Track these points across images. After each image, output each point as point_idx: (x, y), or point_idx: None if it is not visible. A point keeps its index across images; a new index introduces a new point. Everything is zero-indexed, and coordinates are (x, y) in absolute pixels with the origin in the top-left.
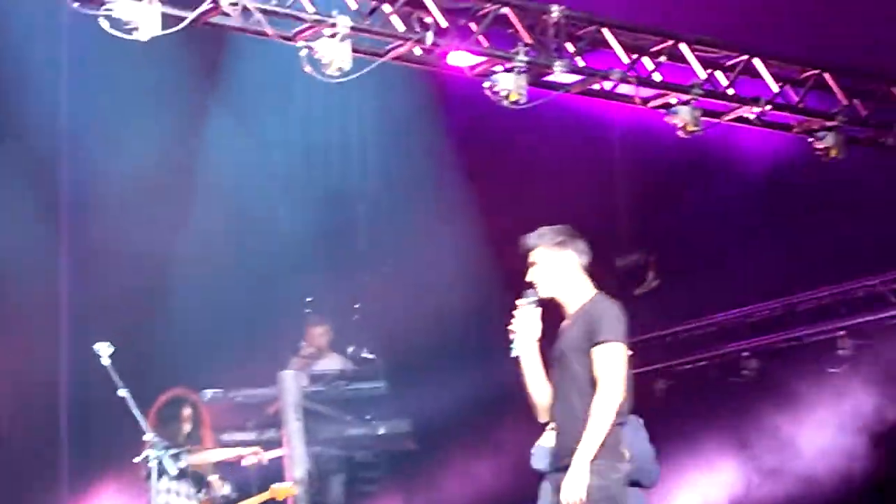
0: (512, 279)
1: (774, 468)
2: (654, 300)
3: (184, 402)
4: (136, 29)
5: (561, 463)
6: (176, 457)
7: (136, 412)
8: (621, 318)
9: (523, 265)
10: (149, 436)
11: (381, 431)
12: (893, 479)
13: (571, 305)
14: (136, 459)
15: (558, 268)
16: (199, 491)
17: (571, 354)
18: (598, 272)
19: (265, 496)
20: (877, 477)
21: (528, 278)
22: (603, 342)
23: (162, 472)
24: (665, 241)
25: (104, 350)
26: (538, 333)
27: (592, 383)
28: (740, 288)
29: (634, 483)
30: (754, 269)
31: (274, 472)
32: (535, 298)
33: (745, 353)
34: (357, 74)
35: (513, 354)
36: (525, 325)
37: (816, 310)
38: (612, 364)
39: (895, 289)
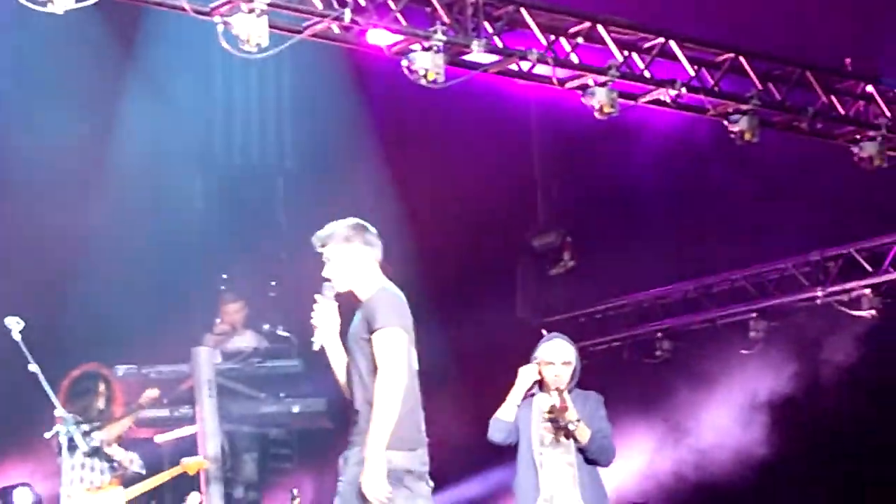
0: (429, 255)
1: (685, 447)
2: (569, 280)
3: (96, 378)
4: (50, 1)
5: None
6: (87, 433)
7: (47, 387)
8: (398, 305)
9: (441, 241)
10: (60, 411)
11: (296, 409)
12: (795, 457)
13: (363, 297)
14: (47, 435)
15: (348, 262)
16: (110, 466)
17: (354, 345)
18: (515, 252)
19: (176, 470)
20: (780, 455)
21: (323, 273)
22: (378, 329)
23: (73, 447)
24: (581, 223)
25: (14, 325)
26: (337, 325)
27: (375, 371)
28: (655, 270)
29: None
30: (668, 252)
31: (187, 449)
32: (332, 293)
33: (659, 334)
34: (275, 51)
35: (315, 347)
36: (324, 319)
37: (729, 292)
38: (388, 350)
39: (806, 271)
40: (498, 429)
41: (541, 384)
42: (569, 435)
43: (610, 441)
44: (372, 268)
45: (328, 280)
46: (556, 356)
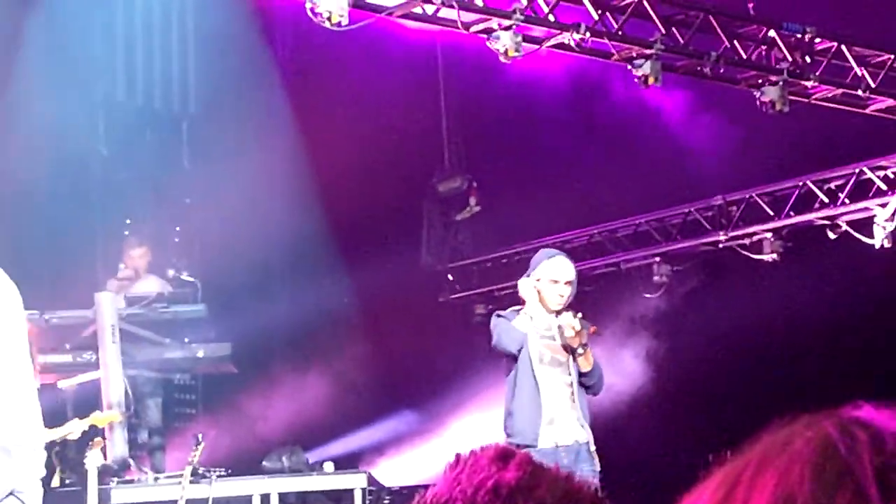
0: (333, 200)
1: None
2: (475, 226)
3: None
4: None
5: None
6: None
7: None
8: None
9: (346, 186)
10: None
11: (200, 354)
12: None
13: None
14: None
15: None
16: None
17: None
18: (420, 197)
19: (86, 423)
20: (675, 398)
21: None
22: None
23: None
24: (486, 168)
25: None
26: None
27: None
28: (560, 214)
29: None
30: (573, 196)
31: (90, 395)
32: None
33: None
34: None
35: None
36: None
37: (633, 236)
38: None
39: (709, 216)
40: (514, 338)
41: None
42: (574, 356)
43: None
44: None
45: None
46: (561, 274)
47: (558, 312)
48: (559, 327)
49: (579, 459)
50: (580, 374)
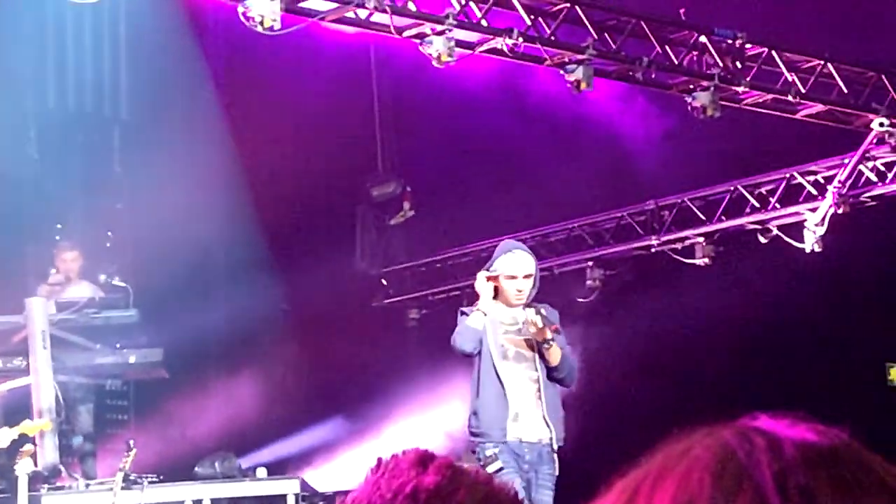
0: (267, 204)
1: None
2: (409, 230)
3: None
4: None
5: None
6: None
7: None
8: None
9: (280, 191)
10: None
11: (132, 360)
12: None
13: None
14: None
15: None
16: None
17: None
18: (354, 202)
19: (15, 431)
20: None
21: None
22: None
23: None
24: (421, 172)
25: None
26: None
27: None
28: (493, 219)
29: None
30: (507, 200)
31: (21, 401)
32: None
33: None
34: None
35: None
36: None
37: (566, 240)
38: None
39: (641, 220)
40: (469, 338)
41: (496, 295)
42: (540, 352)
43: (573, 359)
44: None
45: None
46: (519, 269)
47: (526, 306)
48: (523, 323)
49: (541, 459)
50: (549, 369)
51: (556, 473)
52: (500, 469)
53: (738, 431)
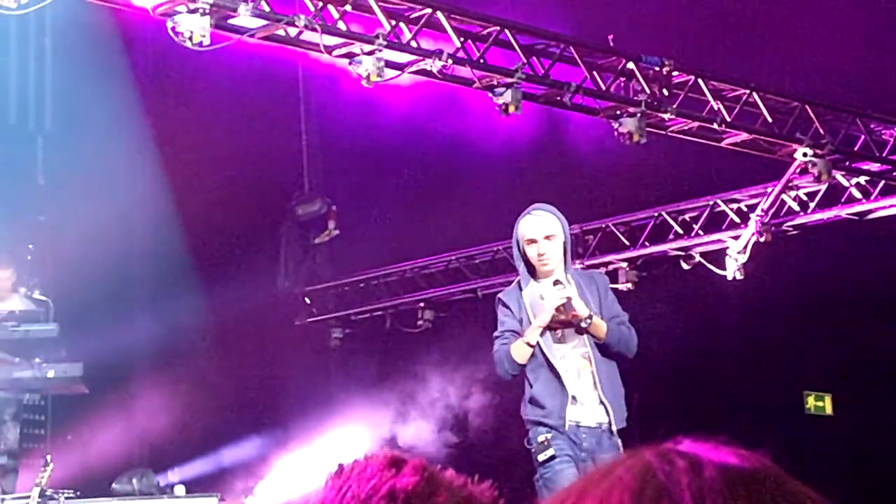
0: (190, 220)
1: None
2: (333, 249)
3: None
4: None
5: None
6: None
7: None
8: None
9: (203, 208)
10: None
11: (51, 374)
12: None
13: None
14: None
15: None
16: None
17: None
18: (278, 220)
19: None
20: None
21: None
22: None
23: None
24: (346, 192)
25: None
26: None
27: None
28: (418, 240)
29: None
30: (431, 222)
31: None
32: None
33: (422, 304)
34: (35, 7)
35: None
36: None
37: (491, 262)
38: None
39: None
40: (510, 370)
41: (531, 270)
42: (581, 332)
43: (629, 326)
44: None
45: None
46: (537, 230)
47: (556, 283)
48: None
49: (601, 446)
50: (599, 345)
51: None
52: (553, 457)
53: (659, 453)
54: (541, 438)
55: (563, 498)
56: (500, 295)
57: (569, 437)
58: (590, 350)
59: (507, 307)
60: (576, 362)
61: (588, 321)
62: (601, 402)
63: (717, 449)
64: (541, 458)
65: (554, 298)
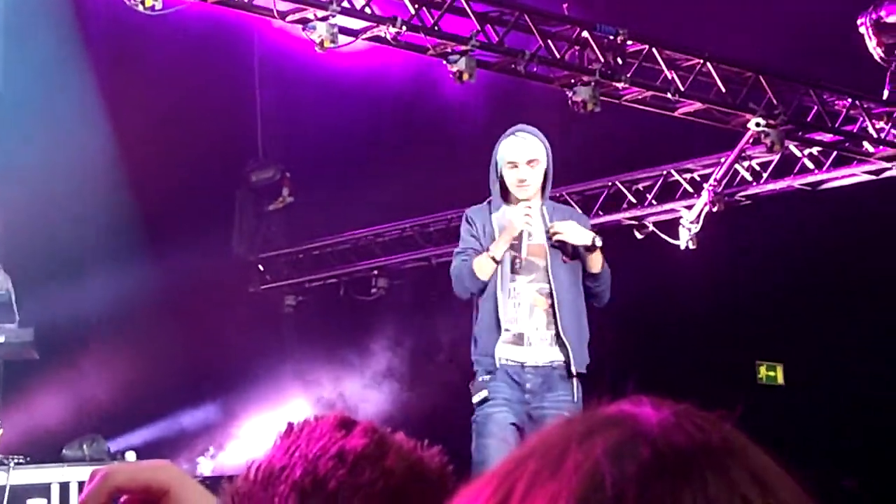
0: (142, 186)
1: (396, 381)
2: (287, 216)
3: None
4: None
5: None
6: None
7: None
8: None
9: (156, 173)
10: None
11: (2, 339)
12: None
13: None
14: None
15: None
16: None
17: None
18: (232, 186)
19: None
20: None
21: None
22: None
23: None
24: (300, 158)
25: None
26: None
27: None
28: (372, 207)
29: None
30: (386, 189)
31: None
32: None
33: (375, 272)
34: None
35: None
36: None
37: (445, 231)
38: None
39: None
40: (469, 287)
41: (506, 194)
42: (576, 256)
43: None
44: None
45: None
46: (520, 153)
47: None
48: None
49: (548, 385)
50: (587, 277)
51: (576, 401)
52: (486, 400)
53: (614, 449)
54: (479, 379)
55: (515, 478)
56: (467, 210)
57: (511, 378)
58: (552, 286)
59: (473, 225)
60: (529, 297)
61: (598, 241)
62: (558, 341)
63: (680, 426)
64: (474, 399)
65: (520, 214)
